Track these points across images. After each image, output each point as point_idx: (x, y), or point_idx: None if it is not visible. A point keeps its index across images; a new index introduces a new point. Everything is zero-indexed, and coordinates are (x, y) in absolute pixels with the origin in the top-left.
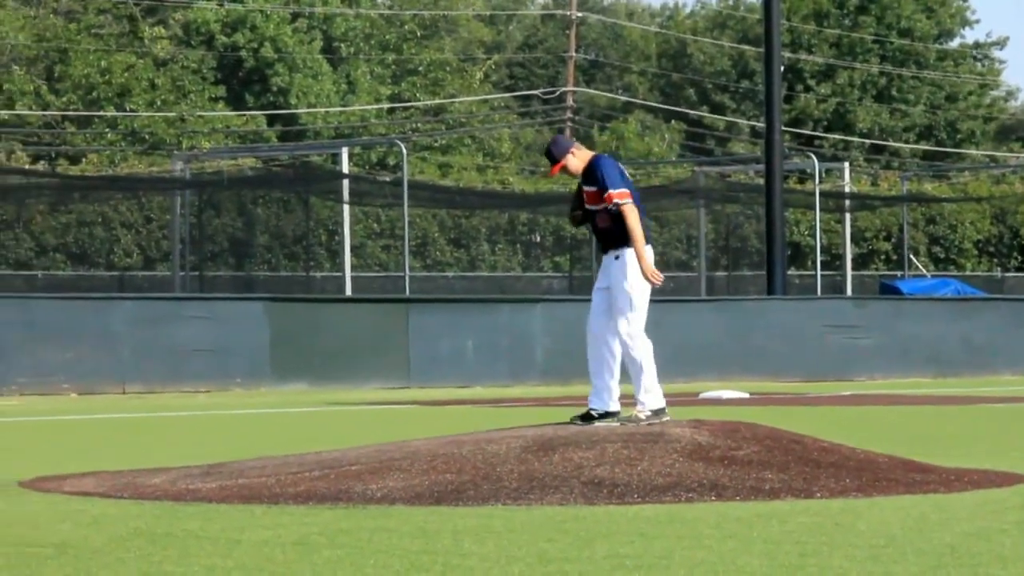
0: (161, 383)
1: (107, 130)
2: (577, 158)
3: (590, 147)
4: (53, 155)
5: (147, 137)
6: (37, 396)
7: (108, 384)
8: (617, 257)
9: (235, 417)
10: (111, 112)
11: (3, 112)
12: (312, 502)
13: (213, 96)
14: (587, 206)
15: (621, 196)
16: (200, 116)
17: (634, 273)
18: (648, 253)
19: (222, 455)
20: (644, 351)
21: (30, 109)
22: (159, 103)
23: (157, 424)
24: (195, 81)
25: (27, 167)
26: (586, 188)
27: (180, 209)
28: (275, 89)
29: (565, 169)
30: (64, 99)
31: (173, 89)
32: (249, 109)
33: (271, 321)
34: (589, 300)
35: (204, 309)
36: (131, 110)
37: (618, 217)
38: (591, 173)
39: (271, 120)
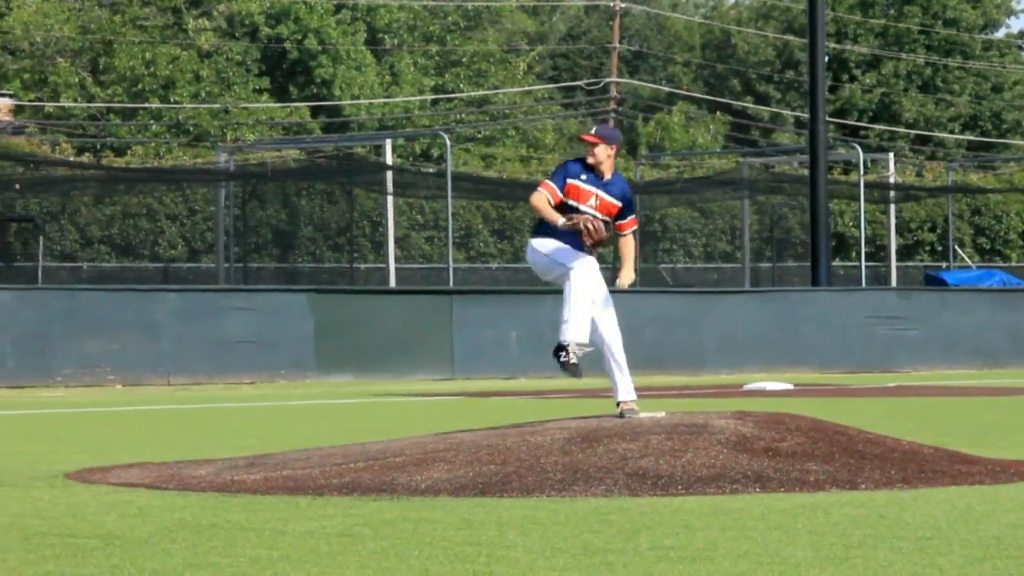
0: (206, 375)
1: (152, 122)
2: (610, 159)
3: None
4: (98, 147)
5: (191, 129)
6: (82, 387)
7: (153, 376)
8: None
9: (280, 409)
10: (156, 104)
11: (48, 104)
12: (357, 493)
13: (257, 88)
14: (594, 210)
15: (635, 223)
16: (244, 108)
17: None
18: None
19: (267, 446)
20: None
21: (75, 101)
22: (203, 95)
23: (202, 416)
24: (239, 73)
25: (72, 159)
26: (609, 197)
27: (224, 201)
28: (319, 81)
29: (596, 152)
30: (109, 91)
31: (217, 81)
32: (293, 101)
33: (315, 313)
34: (633, 291)
35: (248, 301)
36: (175, 102)
37: (606, 229)
38: (623, 190)
39: (315, 112)
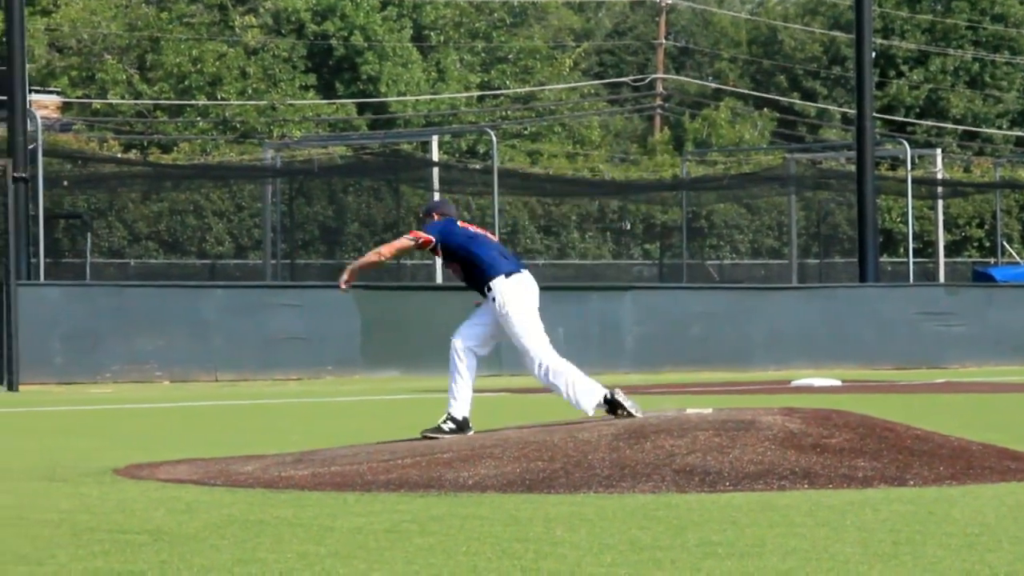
0: (253, 371)
1: (198, 119)
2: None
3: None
4: (145, 144)
5: (238, 126)
6: (130, 384)
7: (200, 372)
8: (490, 297)
9: (327, 405)
10: (202, 101)
11: (96, 101)
12: (404, 489)
13: (303, 84)
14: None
15: (414, 235)
16: (291, 104)
17: (508, 311)
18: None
19: (314, 442)
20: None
21: (122, 98)
22: (250, 92)
23: (249, 412)
24: (286, 70)
25: (120, 156)
26: None
27: (271, 197)
28: (365, 77)
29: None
30: (156, 88)
31: (264, 78)
32: (339, 97)
33: (362, 309)
34: (679, 287)
35: (295, 297)
36: (222, 99)
37: (462, 265)
38: None
39: (361, 108)
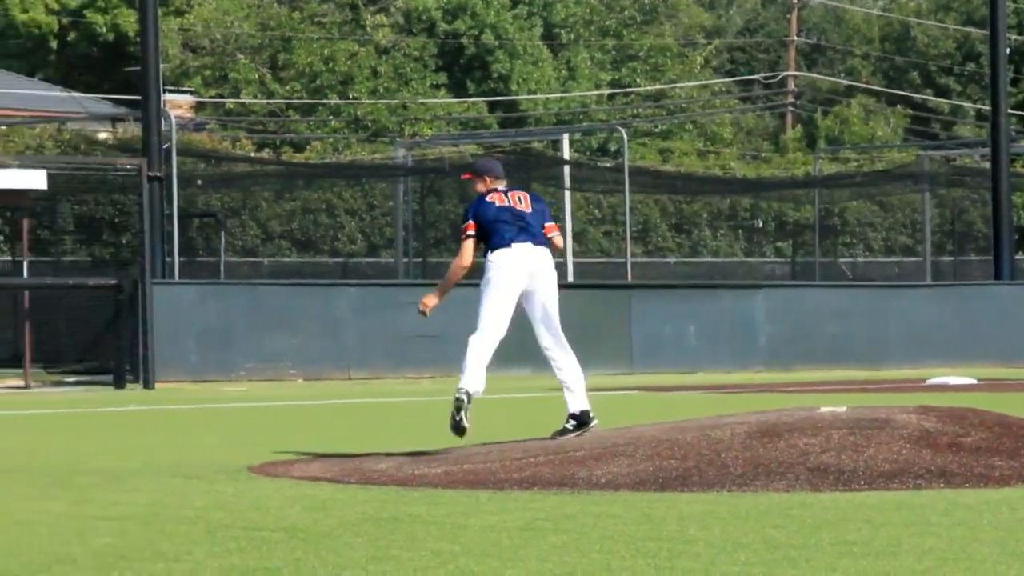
0: (385, 369)
1: (330, 118)
2: (476, 189)
3: (813, 132)
4: (278, 143)
5: (370, 124)
6: (264, 382)
7: (333, 370)
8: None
9: None
10: (334, 100)
11: (229, 101)
12: (537, 487)
13: (434, 83)
14: None
15: (462, 232)
16: (422, 103)
17: (484, 283)
18: (434, 299)
19: (447, 441)
20: (473, 347)
21: (255, 98)
22: (381, 90)
23: (382, 410)
24: (416, 68)
25: (252, 155)
26: None
27: (403, 196)
28: (496, 76)
29: (471, 184)
30: (288, 87)
31: (395, 77)
32: (470, 96)
33: None
34: (812, 285)
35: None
36: (354, 98)
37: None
38: None
39: (492, 107)
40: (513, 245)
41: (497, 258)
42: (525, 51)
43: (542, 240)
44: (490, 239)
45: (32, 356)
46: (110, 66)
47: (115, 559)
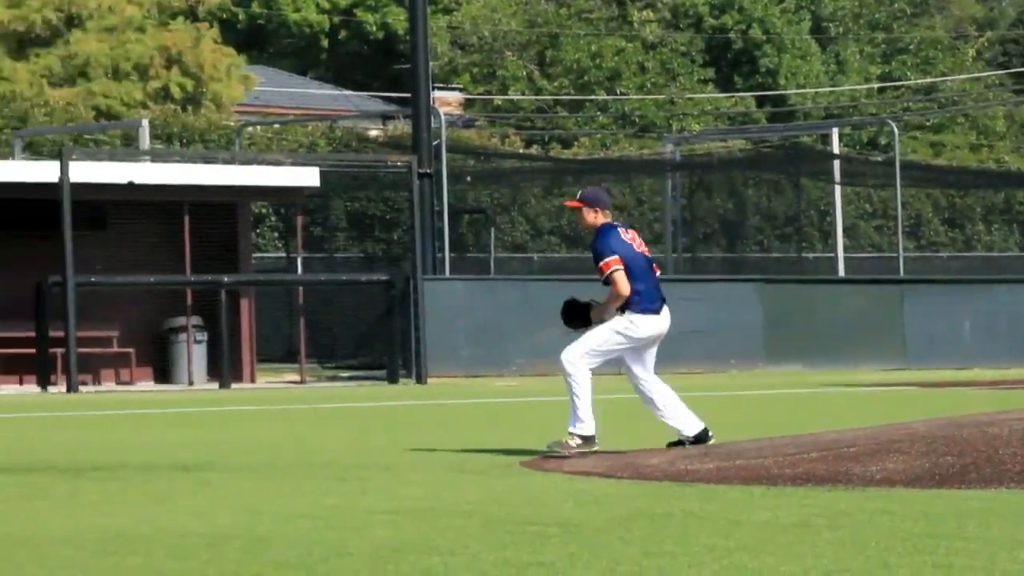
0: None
1: (598, 114)
2: (595, 219)
3: None
4: (546, 139)
5: (637, 120)
6: (535, 376)
7: (604, 365)
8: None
9: (730, 398)
10: (602, 96)
11: (497, 97)
12: (810, 483)
13: (702, 78)
14: None
15: (607, 266)
16: (689, 98)
17: (614, 325)
18: (619, 321)
19: (719, 436)
20: (579, 376)
21: (523, 94)
22: (649, 86)
23: None
24: (684, 64)
25: (521, 151)
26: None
27: (671, 191)
28: (764, 70)
29: (579, 212)
30: (556, 84)
31: (662, 72)
32: (738, 91)
33: (764, 302)
34: None
35: (697, 291)
36: (621, 93)
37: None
38: (592, 243)
39: (760, 101)
40: (661, 312)
41: (642, 323)
42: (793, 45)
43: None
44: (635, 290)
45: (307, 352)
46: (380, 64)
47: (391, 552)
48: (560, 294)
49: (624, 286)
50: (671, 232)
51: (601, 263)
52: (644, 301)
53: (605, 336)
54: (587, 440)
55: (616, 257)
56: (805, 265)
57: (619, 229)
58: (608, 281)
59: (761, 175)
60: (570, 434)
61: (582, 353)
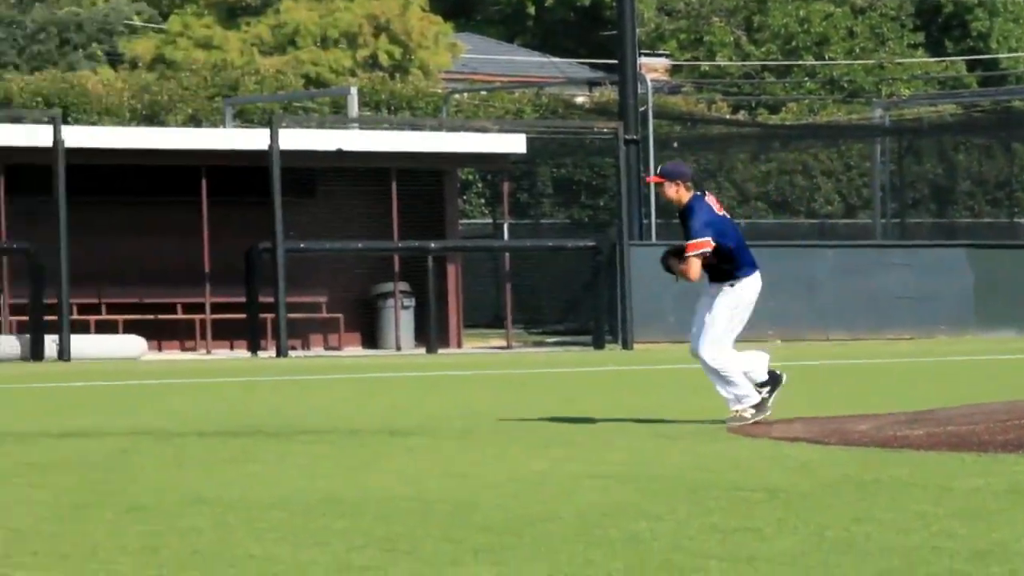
0: (864, 330)
1: (806, 79)
2: (677, 193)
3: None
4: (753, 104)
5: (845, 85)
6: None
7: (812, 331)
8: (716, 290)
9: (939, 364)
10: (810, 61)
11: (704, 63)
12: (1022, 450)
13: (912, 43)
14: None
15: (695, 247)
16: (899, 63)
17: (726, 303)
18: (727, 297)
19: (928, 402)
20: (727, 363)
21: (730, 60)
22: (857, 51)
23: (861, 371)
24: (893, 28)
25: (728, 117)
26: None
27: (880, 156)
28: (975, 34)
29: (661, 187)
30: (763, 49)
31: (871, 36)
32: (948, 55)
33: (974, 268)
34: None
35: (906, 256)
36: (830, 58)
37: (715, 253)
38: (682, 217)
39: (971, 65)
40: (757, 272)
41: (748, 284)
42: (1006, 8)
43: None
44: (733, 256)
45: (513, 317)
46: (587, 30)
47: (598, 516)
48: (768, 260)
49: (696, 273)
50: (880, 197)
51: (690, 242)
52: (744, 265)
53: (724, 317)
54: (759, 407)
55: (707, 239)
56: (1017, 230)
57: (706, 199)
58: (683, 258)
59: (972, 140)
60: (739, 410)
61: (716, 344)
